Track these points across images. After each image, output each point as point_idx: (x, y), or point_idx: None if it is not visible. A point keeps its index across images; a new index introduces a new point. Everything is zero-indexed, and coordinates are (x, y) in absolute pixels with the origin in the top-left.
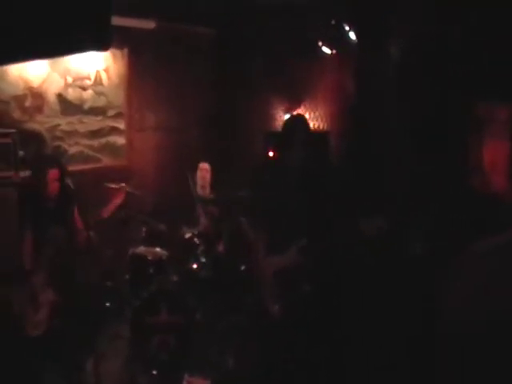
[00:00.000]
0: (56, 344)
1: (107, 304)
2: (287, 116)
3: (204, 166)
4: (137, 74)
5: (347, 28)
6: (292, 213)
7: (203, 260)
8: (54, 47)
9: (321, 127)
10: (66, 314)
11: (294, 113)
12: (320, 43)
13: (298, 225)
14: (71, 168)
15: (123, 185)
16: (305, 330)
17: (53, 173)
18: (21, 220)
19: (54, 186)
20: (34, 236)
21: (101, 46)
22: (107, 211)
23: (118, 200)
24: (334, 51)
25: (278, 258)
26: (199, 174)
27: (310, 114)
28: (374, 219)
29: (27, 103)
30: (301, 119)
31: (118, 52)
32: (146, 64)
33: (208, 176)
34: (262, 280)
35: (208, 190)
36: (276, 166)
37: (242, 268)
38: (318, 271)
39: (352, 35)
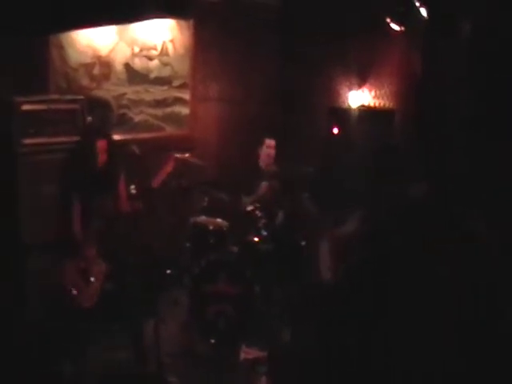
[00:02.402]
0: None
1: (167, 271)
2: (352, 92)
3: (270, 143)
4: (202, 45)
5: (417, 4)
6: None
7: (264, 233)
8: (127, 12)
9: (386, 105)
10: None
11: (360, 90)
12: (388, 19)
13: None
14: (136, 136)
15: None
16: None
17: (101, 143)
18: (67, 189)
19: (102, 157)
20: (81, 206)
21: (172, 10)
22: (157, 180)
23: (168, 168)
24: (403, 28)
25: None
26: (265, 150)
27: (375, 91)
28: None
29: (95, 71)
30: None
31: (183, 23)
32: (211, 35)
33: (273, 152)
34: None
35: (271, 165)
36: (341, 143)
37: (302, 243)
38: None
39: (422, 11)
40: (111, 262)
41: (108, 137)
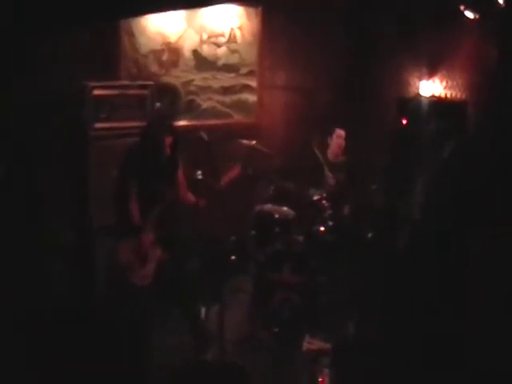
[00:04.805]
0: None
1: (232, 257)
2: (422, 83)
3: (340, 133)
4: (270, 32)
5: None
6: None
7: (330, 223)
8: None
9: (458, 97)
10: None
11: (431, 80)
12: (462, 7)
13: None
14: (203, 122)
15: (253, 143)
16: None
17: (168, 140)
18: (128, 176)
19: (166, 152)
20: (140, 193)
21: None
22: (222, 185)
23: (233, 174)
24: (478, 16)
25: None
26: (335, 140)
27: (447, 82)
28: None
29: (164, 58)
30: None
31: (252, 10)
32: (279, 23)
33: (343, 143)
34: None
35: (341, 156)
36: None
37: (369, 235)
38: None
39: None
40: (169, 247)
41: (174, 132)
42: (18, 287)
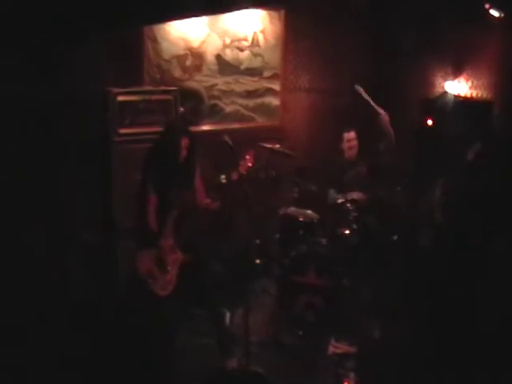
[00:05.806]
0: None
1: (256, 260)
2: (447, 83)
3: (349, 136)
4: (293, 35)
5: None
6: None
7: (355, 226)
8: (219, 2)
9: (484, 96)
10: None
11: (456, 80)
12: (487, 5)
13: None
14: (227, 126)
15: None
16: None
17: (184, 141)
18: (145, 181)
19: (183, 153)
20: (157, 198)
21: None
22: (237, 174)
23: (248, 162)
24: (503, 15)
25: None
26: (346, 144)
27: (472, 82)
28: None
29: (187, 63)
30: None
31: (274, 13)
32: (302, 26)
33: (354, 144)
34: None
35: (355, 156)
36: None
37: (394, 238)
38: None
39: None
40: (189, 251)
41: (190, 134)
42: (39, 289)
